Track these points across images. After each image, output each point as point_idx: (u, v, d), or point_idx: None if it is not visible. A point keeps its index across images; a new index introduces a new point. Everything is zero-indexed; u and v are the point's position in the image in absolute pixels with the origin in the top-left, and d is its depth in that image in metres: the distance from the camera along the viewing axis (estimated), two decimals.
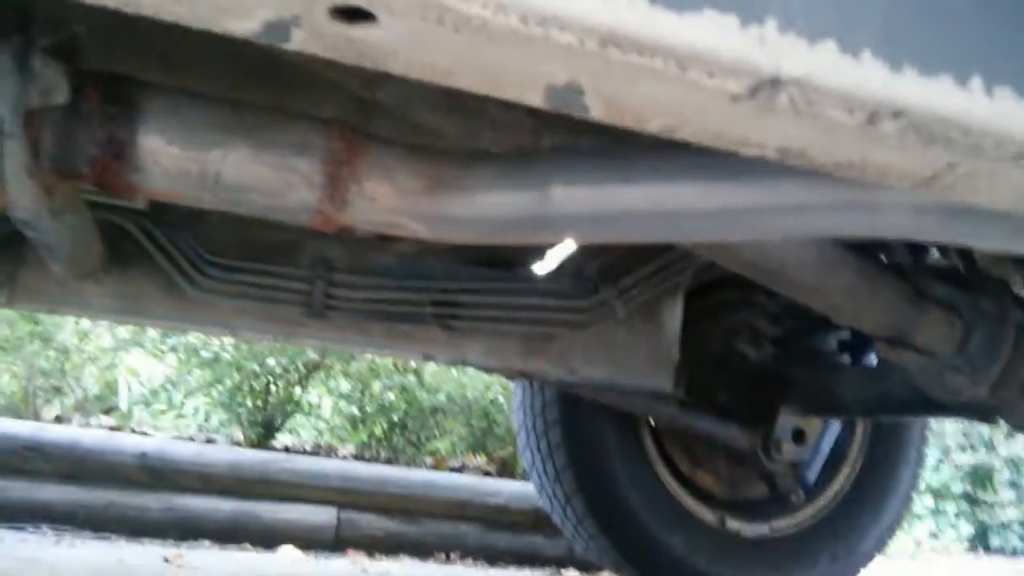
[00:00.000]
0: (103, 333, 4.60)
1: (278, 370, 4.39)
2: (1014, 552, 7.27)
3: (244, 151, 0.93)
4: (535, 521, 3.35)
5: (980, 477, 7.53)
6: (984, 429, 7.12)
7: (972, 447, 7.51)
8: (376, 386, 4.68)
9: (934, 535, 7.33)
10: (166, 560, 2.41)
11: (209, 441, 3.88)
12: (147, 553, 2.57)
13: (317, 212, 0.97)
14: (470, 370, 3.37)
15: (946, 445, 7.44)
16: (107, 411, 4.51)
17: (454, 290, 1.70)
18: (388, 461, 4.07)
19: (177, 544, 2.87)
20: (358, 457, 4.05)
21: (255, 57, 1.15)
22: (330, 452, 4.16)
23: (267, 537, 3.14)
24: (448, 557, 3.37)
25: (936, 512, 7.40)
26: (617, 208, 0.96)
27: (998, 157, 0.65)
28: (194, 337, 4.36)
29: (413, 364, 4.54)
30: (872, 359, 2.04)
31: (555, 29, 0.55)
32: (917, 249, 1.58)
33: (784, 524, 2.24)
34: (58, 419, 3.99)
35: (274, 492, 3.26)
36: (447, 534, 3.42)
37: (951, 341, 1.39)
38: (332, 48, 0.61)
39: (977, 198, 0.74)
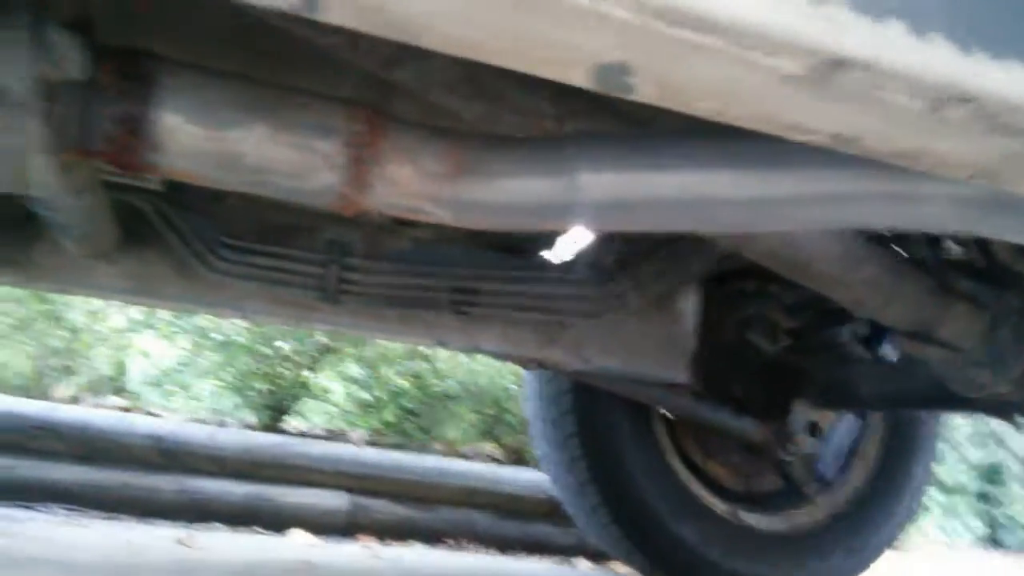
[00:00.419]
0: (114, 314, 4.60)
1: (290, 353, 4.39)
2: None
3: (265, 131, 0.91)
4: (547, 510, 3.34)
5: (991, 473, 7.50)
6: (995, 425, 7.07)
7: (984, 443, 7.48)
8: (388, 371, 4.68)
9: (944, 530, 7.30)
10: (179, 542, 2.41)
11: (221, 424, 3.88)
12: (159, 535, 2.57)
13: (339, 195, 0.95)
14: (481, 357, 3.36)
15: (957, 440, 7.40)
16: (117, 392, 4.52)
17: (470, 277, 1.68)
18: (398, 447, 4.06)
19: (188, 526, 2.87)
20: (372, 443, 4.04)
21: (269, 35, 1.13)
22: (342, 437, 4.16)
23: (279, 521, 3.14)
24: (459, 544, 3.37)
25: (947, 508, 7.37)
26: (646, 195, 0.93)
27: None
28: (205, 319, 4.36)
29: (425, 350, 4.53)
30: (886, 352, 2.02)
31: (609, 3, 0.52)
32: (932, 241, 1.56)
33: (799, 517, 2.23)
34: (74, 400, 4.00)
35: (287, 476, 3.25)
36: (458, 521, 3.42)
37: (976, 336, 1.37)
38: (362, 18, 0.58)
39: None
